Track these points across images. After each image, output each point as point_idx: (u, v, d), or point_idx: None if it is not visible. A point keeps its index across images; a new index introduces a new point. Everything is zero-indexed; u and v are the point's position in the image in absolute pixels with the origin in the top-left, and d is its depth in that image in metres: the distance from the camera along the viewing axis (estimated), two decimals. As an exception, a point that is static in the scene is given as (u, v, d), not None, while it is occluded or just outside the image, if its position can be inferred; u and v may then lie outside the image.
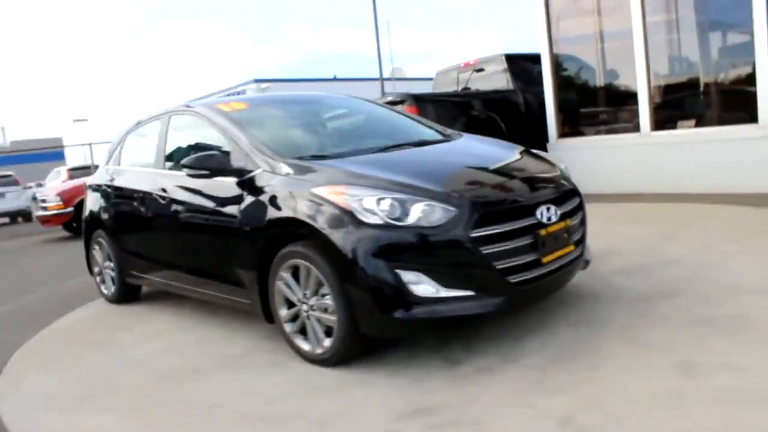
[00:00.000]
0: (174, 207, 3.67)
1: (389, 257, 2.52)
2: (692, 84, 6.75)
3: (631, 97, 6.97)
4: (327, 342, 2.78)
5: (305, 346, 2.90)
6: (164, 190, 3.75)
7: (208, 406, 2.61)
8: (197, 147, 3.67)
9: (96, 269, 4.89)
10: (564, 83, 7.97)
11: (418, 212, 2.55)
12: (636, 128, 6.84)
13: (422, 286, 2.52)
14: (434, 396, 2.40)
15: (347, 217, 2.59)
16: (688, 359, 2.41)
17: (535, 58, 9.30)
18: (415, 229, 2.53)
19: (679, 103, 6.82)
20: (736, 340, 2.53)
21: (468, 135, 3.89)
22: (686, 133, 6.48)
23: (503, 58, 9.18)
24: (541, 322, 3.02)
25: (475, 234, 2.54)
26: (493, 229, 2.59)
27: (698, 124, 6.50)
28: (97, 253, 4.81)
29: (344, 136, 3.83)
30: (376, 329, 2.65)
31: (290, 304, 2.95)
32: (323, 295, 2.76)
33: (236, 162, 3.21)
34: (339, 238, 2.59)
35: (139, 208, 4.08)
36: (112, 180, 4.51)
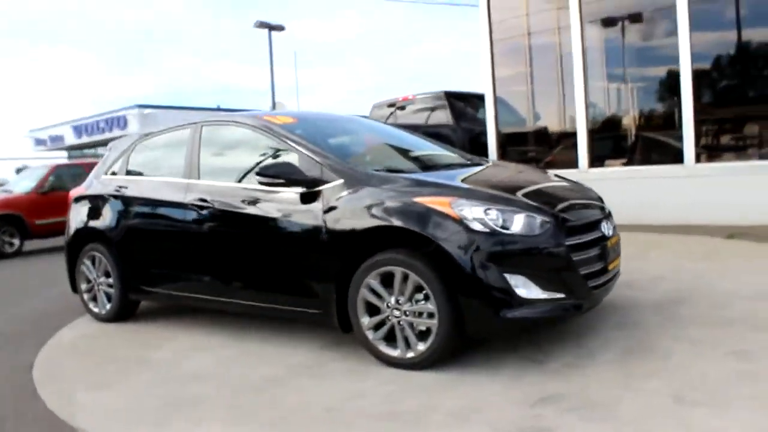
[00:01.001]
0: (218, 218, 3.63)
1: (498, 262, 2.77)
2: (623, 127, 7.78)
3: (569, 136, 7.84)
4: (421, 346, 2.93)
5: (392, 351, 3.02)
6: (204, 201, 3.69)
7: (324, 409, 2.64)
8: (258, 159, 3.64)
9: (83, 286, 4.56)
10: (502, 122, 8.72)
11: (520, 222, 2.83)
12: (575, 165, 7.67)
13: (525, 288, 2.78)
14: (546, 387, 2.66)
15: (457, 226, 2.81)
16: (739, 349, 2.89)
17: (468, 97, 10.11)
18: (520, 237, 2.81)
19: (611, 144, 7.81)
20: None
21: (488, 159, 4.27)
22: (619, 170, 7.42)
23: (443, 94, 9.85)
24: (587, 326, 3.40)
25: (568, 243, 2.88)
26: (579, 239, 2.95)
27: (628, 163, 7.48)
28: (86, 269, 4.49)
29: (388, 153, 4.00)
30: (482, 329, 2.86)
31: (373, 312, 3.07)
32: (417, 301, 2.92)
33: (309, 172, 3.28)
34: (450, 245, 2.79)
35: (162, 218, 3.95)
36: (119, 190, 4.29)
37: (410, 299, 2.94)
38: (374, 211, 3.03)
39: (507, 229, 2.81)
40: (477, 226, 2.80)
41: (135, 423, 2.70)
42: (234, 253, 3.60)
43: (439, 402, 2.60)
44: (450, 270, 2.81)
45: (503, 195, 2.99)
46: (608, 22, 7.87)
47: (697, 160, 6.76)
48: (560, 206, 3.11)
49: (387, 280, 3.00)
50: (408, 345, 2.98)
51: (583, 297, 2.95)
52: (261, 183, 3.35)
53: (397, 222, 2.94)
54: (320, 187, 3.23)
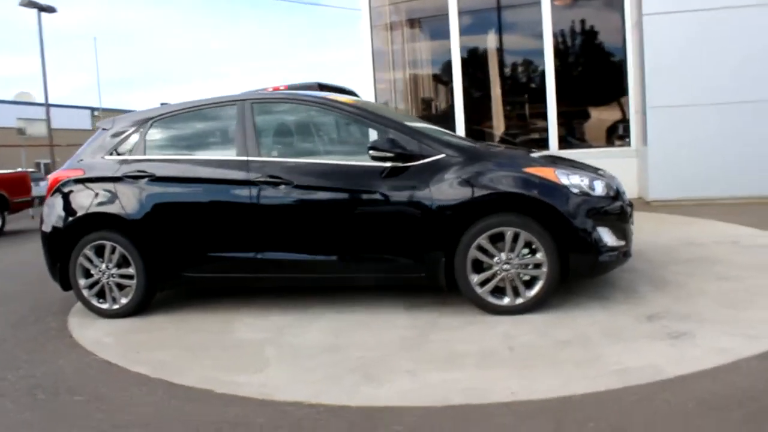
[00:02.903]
0: (304, 194, 3.68)
1: (592, 218, 3.48)
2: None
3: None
4: (530, 292, 3.50)
5: (500, 301, 3.53)
6: (278, 177, 3.69)
7: (479, 350, 3.05)
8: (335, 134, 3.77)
9: (82, 281, 4.04)
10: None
11: (601, 186, 3.59)
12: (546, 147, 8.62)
13: (608, 238, 3.55)
14: (641, 310, 3.43)
15: (563, 191, 3.45)
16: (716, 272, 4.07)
17: (341, 90, 10.59)
18: (602, 198, 3.56)
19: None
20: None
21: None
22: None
23: (317, 86, 10.13)
24: (622, 278, 4.22)
25: (624, 202, 3.72)
26: (625, 200, 3.82)
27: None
28: (86, 261, 4.00)
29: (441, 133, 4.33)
30: (582, 273, 3.55)
31: (479, 269, 3.54)
32: (524, 255, 3.49)
33: (408, 146, 3.59)
34: (560, 206, 3.42)
35: (220, 198, 3.81)
36: (143, 171, 3.93)
37: (518, 254, 3.49)
38: (485, 180, 3.49)
39: (593, 191, 3.54)
40: (575, 190, 3.48)
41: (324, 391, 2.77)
42: (329, 227, 3.69)
43: (576, 330, 3.22)
44: (559, 227, 3.44)
45: (580, 164, 3.71)
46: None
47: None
48: (600, 172, 3.94)
49: (494, 240, 3.50)
50: (516, 293, 3.53)
51: (629, 245, 3.83)
52: (373, 157, 3.54)
53: (513, 189, 3.47)
54: (425, 160, 3.57)
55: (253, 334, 3.55)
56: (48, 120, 22.08)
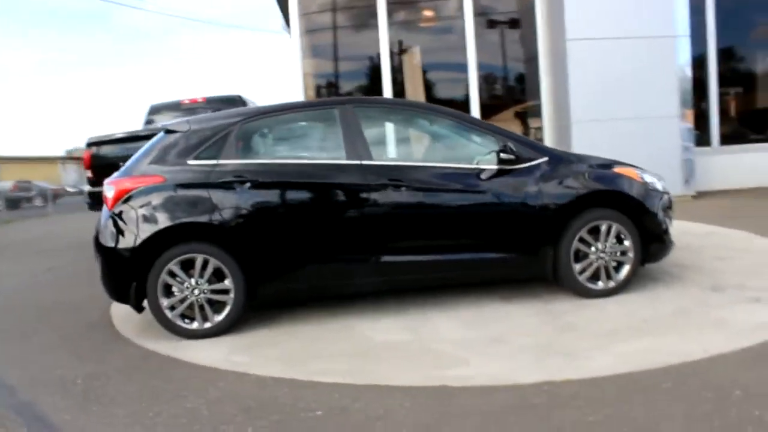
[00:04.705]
0: (421, 196, 3.79)
1: (663, 210, 4.11)
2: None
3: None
4: (620, 276, 4.00)
5: (595, 286, 3.97)
6: (397, 180, 3.75)
7: (608, 328, 3.46)
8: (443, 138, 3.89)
9: (165, 302, 3.62)
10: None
11: (662, 183, 4.24)
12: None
13: (669, 226, 4.21)
14: (705, 281, 4.13)
15: (645, 188, 4.03)
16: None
17: (232, 101, 10.14)
18: (665, 193, 4.21)
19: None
20: None
21: None
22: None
23: (239, 98, 9.78)
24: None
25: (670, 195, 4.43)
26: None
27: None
28: (171, 278, 3.61)
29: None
30: (658, 257, 4.13)
31: (578, 258, 3.96)
32: (613, 244, 3.99)
33: (521, 151, 3.91)
34: (645, 200, 3.99)
35: (335, 203, 3.78)
36: (244, 176, 3.67)
37: (610, 244, 3.98)
38: (585, 180, 3.94)
39: (660, 188, 4.18)
40: (651, 188, 4.09)
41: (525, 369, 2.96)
42: (451, 228, 3.83)
43: (660, 307, 3.76)
44: (643, 218, 4.00)
45: (640, 166, 4.33)
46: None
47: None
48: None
49: (590, 232, 3.95)
50: (609, 278, 4.00)
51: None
52: (502, 160, 3.77)
53: (612, 187, 3.95)
54: (530, 163, 3.90)
55: (397, 335, 3.54)
56: None
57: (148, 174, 3.74)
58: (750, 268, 4.51)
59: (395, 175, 3.79)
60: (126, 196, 3.68)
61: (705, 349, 2.98)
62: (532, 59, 9.47)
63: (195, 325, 3.69)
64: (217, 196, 3.67)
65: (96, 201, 7.09)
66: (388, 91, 9.25)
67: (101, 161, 7.01)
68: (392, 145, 4.06)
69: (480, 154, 3.93)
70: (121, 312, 4.46)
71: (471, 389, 2.74)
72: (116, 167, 6.99)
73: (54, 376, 3.27)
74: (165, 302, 3.64)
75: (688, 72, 8.63)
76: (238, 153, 3.82)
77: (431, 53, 9.69)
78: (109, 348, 3.73)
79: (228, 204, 3.67)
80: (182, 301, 3.66)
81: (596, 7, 8.38)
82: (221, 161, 3.77)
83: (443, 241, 3.87)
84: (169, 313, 3.66)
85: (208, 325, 3.69)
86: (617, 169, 4.09)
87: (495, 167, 3.82)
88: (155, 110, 9.64)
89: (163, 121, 9.37)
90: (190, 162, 3.76)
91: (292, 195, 3.78)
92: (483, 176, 3.83)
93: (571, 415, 2.42)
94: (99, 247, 3.77)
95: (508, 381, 2.79)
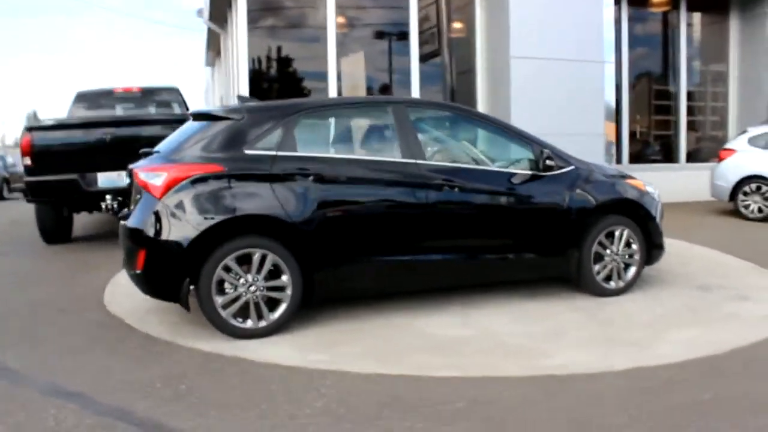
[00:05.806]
0: (470, 197, 3.93)
1: (660, 217, 4.62)
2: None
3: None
4: (628, 276, 4.43)
5: (609, 285, 4.37)
6: (450, 180, 3.86)
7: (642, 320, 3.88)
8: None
9: (219, 299, 3.41)
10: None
11: (657, 193, 4.74)
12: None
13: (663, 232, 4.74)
14: (699, 280, 4.68)
15: (650, 196, 4.51)
16: None
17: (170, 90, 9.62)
18: (659, 202, 4.71)
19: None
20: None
21: None
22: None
23: (178, 89, 9.21)
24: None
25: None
26: (651, 205, 5.08)
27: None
28: (226, 275, 3.41)
29: None
30: (658, 258, 4.60)
31: (596, 260, 4.32)
32: (623, 248, 4.41)
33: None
34: (650, 209, 4.46)
35: (390, 201, 3.79)
36: (307, 169, 3.58)
37: (620, 247, 4.39)
38: (604, 189, 4.32)
39: (656, 198, 4.69)
40: (653, 198, 4.58)
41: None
42: (495, 229, 4.00)
43: (668, 304, 4.25)
44: (648, 225, 4.47)
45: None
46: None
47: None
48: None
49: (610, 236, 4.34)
50: (620, 277, 4.41)
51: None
52: (546, 166, 4.01)
53: (628, 196, 4.37)
54: (561, 170, 4.20)
55: (460, 330, 3.64)
56: None
57: (203, 162, 3.50)
58: (714, 271, 5.18)
59: (450, 176, 3.90)
60: (179, 185, 3.42)
61: (744, 338, 3.43)
62: (467, 72, 9.96)
63: (249, 323, 3.50)
64: (280, 189, 3.53)
65: (37, 191, 6.33)
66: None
67: (44, 148, 6.24)
68: (440, 145, 4.17)
69: (519, 160, 4.18)
70: (120, 309, 4.15)
71: (577, 377, 2.93)
72: (64, 155, 6.42)
73: (122, 380, 2.95)
74: (219, 300, 3.43)
75: (612, 94, 9.63)
76: (296, 145, 3.71)
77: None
78: (151, 349, 3.41)
79: (289, 197, 3.54)
80: (236, 299, 3.47)
81: (537, 28, 9.06)
82: (280, 152, 3.63)
83: (491, 241, 4.06)
84: (223, 312, 3.44)
85: (263, 323, 3.52)
86: (628, 180, 4.54)
87: (539, 173, 4.07)
88: (82, 97, 8.77)
89: (92, 109, 8.58)
90: (247, 151, 3.57)
91: (354, 190, 3.74)
92: (524, 180, 4.06)
93: (685, 395, 2.70)
94: (139, 240, 3.45)
95: (604, 368, 3.02)
